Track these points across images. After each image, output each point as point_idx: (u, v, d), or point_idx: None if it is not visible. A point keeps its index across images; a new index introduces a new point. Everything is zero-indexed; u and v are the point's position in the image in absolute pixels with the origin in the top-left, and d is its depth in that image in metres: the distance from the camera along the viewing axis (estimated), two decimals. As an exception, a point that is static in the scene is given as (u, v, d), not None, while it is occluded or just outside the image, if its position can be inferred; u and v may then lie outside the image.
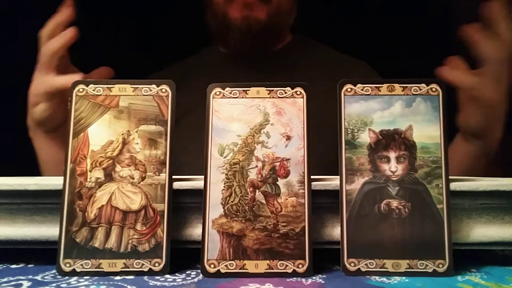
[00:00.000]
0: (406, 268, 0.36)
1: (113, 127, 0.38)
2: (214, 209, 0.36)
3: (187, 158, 0.54)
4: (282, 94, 0.38)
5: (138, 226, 0.36)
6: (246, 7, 0.70)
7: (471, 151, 0.59)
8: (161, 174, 0.37)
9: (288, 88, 0.39)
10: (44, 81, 0.56)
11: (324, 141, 0.43)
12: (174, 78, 0.76)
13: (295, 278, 0.35)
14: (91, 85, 0.39)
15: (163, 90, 0.39)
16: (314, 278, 0.35)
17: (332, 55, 0.82)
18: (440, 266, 0.35)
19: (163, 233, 0.36)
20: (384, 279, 0.35)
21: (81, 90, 0.39)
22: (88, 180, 0.37)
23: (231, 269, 0.35)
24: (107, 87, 0.39)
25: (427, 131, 0.38)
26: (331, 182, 0.38)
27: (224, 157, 0.37)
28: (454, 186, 0.37)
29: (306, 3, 0.79)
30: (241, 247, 0.36)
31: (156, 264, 0.36)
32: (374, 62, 0.81)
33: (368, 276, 0.35)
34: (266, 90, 0.39)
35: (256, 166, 0.37)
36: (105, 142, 0.38)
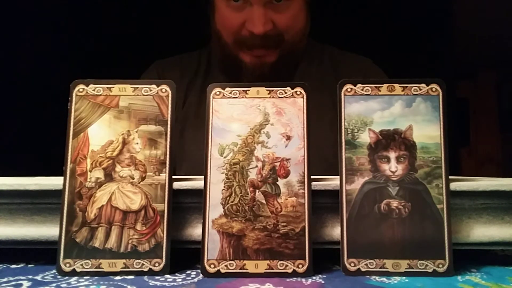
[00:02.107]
0: (406, 268, 0.36)
1: (113, 127, 0.38)
2: (214, 209, 0.36)
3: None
4: (282, 94, 0.38)
5: (138, 226, 0.36)
6: (257, 56, 0.68)
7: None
8: (161, 174, 0.37)
9: (288, 88, 0.39)
10: None
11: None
12: (188, 65, 0.74)
13: (295, 278, 0.35)
14: (91, 85, 0.39)
15: (163, 90, 0.39)
16: (314, 278, 0.35)
17: (334, 55, 0.81)
18: (440, 266, 0.35)
19: (163, 233, 0.36)
20: (384, 279, 0.35)
21: (81, 90, 0.39)
22: (88, 180, 0.37)
23: (231, 269, 0.35)
24: (107, 87, 0.39)
25: (427, 131, 0.38)
26: (331, 182, 0.38)
27: (224, 157, 0.37)
28: (454, 186, 0.37)
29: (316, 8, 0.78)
30: (241, 247, 0.36)
31: (156, 264, 0.36)
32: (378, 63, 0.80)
33: (368, 276, 0.35)
34: (266, 90, 0.39)
35: (256, 166, 0.37)
36: (105, 142, 0.38)
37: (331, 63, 0.78)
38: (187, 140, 0.67)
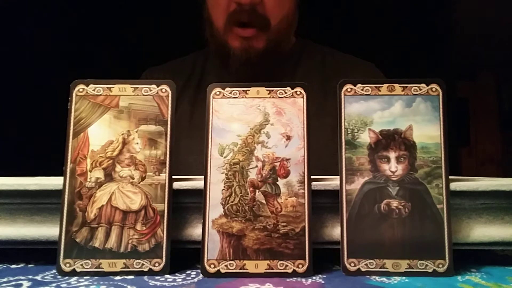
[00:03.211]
0: (406, 268, 0.36)
1: (113, 127, 0.38)
2: (214, 209, 0.36)
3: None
4: (282, 94, 0.38)
5: (138, 226, 0.36)
6: (245, 39, 0.69)
7: None
8: (161, 174, 0.37)
9: (288, 88, 0.39)
10: None
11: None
12: (180, 72, 0.75)
13: (295, 278, 0.35)
14: (91, 85, 0.39)
15: (163, 90, 0.39)
16: (314, 278, 0.35)
17: (335, 59, 0.81)
18: (440, 266, 0.35)
19: (163, 233, 0.36)
20: (384, 279, 0.35)
21: (81, 90, 0.39)
22: (88, 180, 0.37)
23: (231, 269, 0.35)
24: (107, 87, 0.39)
25: (427, 131, 0.38)
26: (331, 182, 0.38)
27: (224, 157, 0.37)
28: (454, 186, 0.37)
29: (310, 6, 0.78)
30: (241, 247, 0.36)
31: (156, 264, 0.36)
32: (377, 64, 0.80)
33: (368, 276, 0.35)
34: (266, 90, 0.39)
35: (256, 166, 0.37)
36: (105, 142, 0.38)
37: (334, 67, 0.78)
38: (183, 151, 0.66)
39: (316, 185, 0.37)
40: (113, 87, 0.39)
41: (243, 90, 0.39)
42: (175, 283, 0.34)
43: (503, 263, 0.40)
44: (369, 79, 0.39)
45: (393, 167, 0.37)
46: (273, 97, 0.38)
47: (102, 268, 0.36)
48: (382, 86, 0.38)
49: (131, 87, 0.39)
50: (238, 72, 0.71)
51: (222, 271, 0.35)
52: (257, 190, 0.37)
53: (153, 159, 0.38)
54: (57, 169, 0.39)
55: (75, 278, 0.35)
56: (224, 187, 0.37)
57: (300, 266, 0.35)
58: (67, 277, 0.35)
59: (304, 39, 0.83)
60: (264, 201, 0.37)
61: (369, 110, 0.38)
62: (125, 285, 0.33)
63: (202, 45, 0.84)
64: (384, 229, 0.36)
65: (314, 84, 0.73)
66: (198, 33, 0.78)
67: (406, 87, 0.38)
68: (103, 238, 0.36)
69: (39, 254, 0.40)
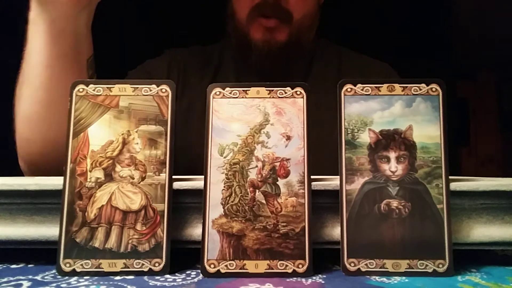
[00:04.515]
0: (406, 268, 0.36)
1: (113, 127, 0.38)
2: (214, 209, 0.36)
3: None
4: (282, 94, 0.38)
5: (138, 226, 0.36)
6: (268, 30, 0.71)
7: None
8: (161, 174, 0.37)
9: (288, 88, 0.39)
10: None
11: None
12: (201, 60, 0.74)
13: (295, 278, 0.35)
14: (91, 85, 0.39)
15: (163, 90, 0.39)
16: (314, 278, 0.35)
17: (351, 58, 0.81)
18: (440, 266, 0.35)
19: (163, 233, 0.36)
20: (384, 279, 0.35)
21: (81, 90, 0.39)
22: (88, 180, 0.37)
23: (231, 269, 0.35)
24: (107, 87, 0.39)
25: (427, 131, 0.38)
26: (331, 182, 0.38)
27: (224, 157, 0.37)
28: (454, 186, 0.37)
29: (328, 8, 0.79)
30: (241, 247, 0.36)
31: (156, 264, 0.36)
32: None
33: (368, 276, 0.35)
34: (266, 90, 0.39)
35: (256, 166, 0.37)
36: (105, 142, 0.38)
37: (349, 66, 0.79)
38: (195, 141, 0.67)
39: (316, 185, 0.37)
40: (113, 87, 0.39)
41: (243, 90, 0.39)
42: (175, 283, 0.34)
43: (503, 263, 0.40)
44: (369, 79, 0.39)
45: (393, 167, 0.37)
46: (273, 97, 0.38)
47: (102, 268, 0.36)
48: (382, 86, 0.38)
49: (131, 87, 0.39)
50: (258, 64, 0.72)
51: (222, 271, 0.35)
52: (257, 190, 0.37)
53: (153, 159, 0.38)
54: (58, 170, 0.39)
55: (75, 278, 0.35)
56: (224, 187, 0.37)
57: (300, 266, 0.35)
58: (67, 277, 0.35)
59: (320, 38, 0.84)
60: (264, 201, 0.37)
61: (369, 110, 0.38)
62: (125, 285, 0.33)
63: (203, 44, 0.84)
64: (384, 229, 0.36)
65: (329, 83, 0.73)
66: (198, 33, 0.78)
67: (406, 87, 0.38)
68: (103, 238, 0.36)
69: (39, 254, 0.40)
